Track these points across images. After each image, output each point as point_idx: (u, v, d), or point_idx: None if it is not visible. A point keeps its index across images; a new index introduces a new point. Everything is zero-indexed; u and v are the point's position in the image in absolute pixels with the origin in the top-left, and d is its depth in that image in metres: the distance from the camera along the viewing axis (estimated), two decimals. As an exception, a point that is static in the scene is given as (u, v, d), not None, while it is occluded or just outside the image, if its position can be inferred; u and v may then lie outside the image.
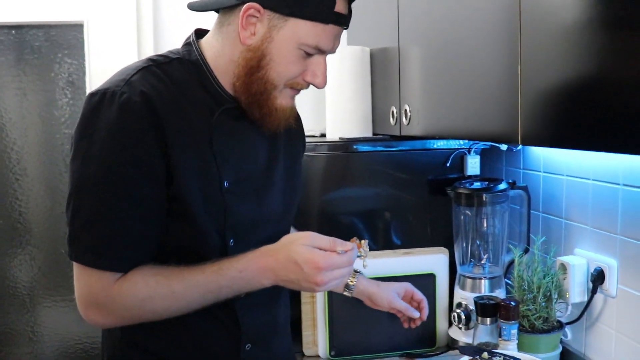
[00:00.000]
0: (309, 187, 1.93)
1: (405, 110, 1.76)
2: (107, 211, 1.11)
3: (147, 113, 1.11)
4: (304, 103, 2.53)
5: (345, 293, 1.53)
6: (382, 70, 2.03)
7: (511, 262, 1.85)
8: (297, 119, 1.46)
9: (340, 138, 2.04)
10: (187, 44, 1.26)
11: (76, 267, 1.15)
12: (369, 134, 2.10)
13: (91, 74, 2.49)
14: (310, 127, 2.39)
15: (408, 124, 1.75)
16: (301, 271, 1.11)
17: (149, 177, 1.13)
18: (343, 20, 1.20)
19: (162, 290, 1.14)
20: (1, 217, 2.58)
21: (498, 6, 1.26)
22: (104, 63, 2.48)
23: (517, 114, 1.18)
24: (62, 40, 2.55)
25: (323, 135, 2.21)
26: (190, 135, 1.16)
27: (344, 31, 2.40)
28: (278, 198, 1.34)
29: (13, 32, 2.52)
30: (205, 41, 1.26)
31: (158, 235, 1.17)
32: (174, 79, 1.19)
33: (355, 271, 1.54)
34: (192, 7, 1.26)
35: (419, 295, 1.61)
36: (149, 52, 2.51)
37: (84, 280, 1.14)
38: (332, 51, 1.23)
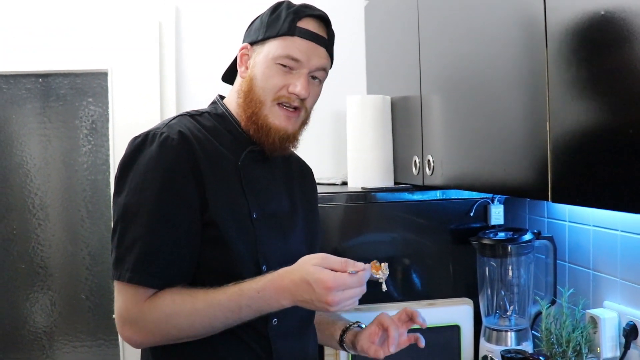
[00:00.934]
0: (330, 234, 1.92)
1: (429, 160, 1.76)
2: (147, 234, 1.22)
3: (183, 148, 1.26)
4: (325, 151, 2.56)
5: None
6: (403, 119, 2.04)
7: (538, 314, 1.82)
8: (309, 173, 1.63)
9: (362, 188, 2.03)
10: (213, 102, 1.47)
11: (116, 287, 1.25)
12: (391, 183, 2.10)
13: (114, 121, 2.52)
14: (331, 175, 2.40)
15: (431, 174, 1.75)
16: (313, 291, 1.16)
17: (184, 203, 1.25)
18: (312, 36, 1.35)
19: (185, 307, 1.22)
20: (23, 262, 2.59)
21: (524, 56, 1.26)
22: (127, 110, 2.51)
23: (546, 169, 1.17)
24: (87, 88, 2.59)
25: (344, 183, 2.21)
26: (221, 171, 1.30)
27: (365, 81, 2.43)
28: (301, 239, 1.45)
29: (40, 80, 2.57)
30: (227, 98, 1.46)
31: (192, 257, 1.27)
32: (205, 126, 1.36)
33: (353, 324, 1.53)
34: (222, 78, 1.52)
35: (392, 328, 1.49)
36: (171, 99, 2.54)
37: (122, 297, 1.24)
38: (313, 66, 1.35)
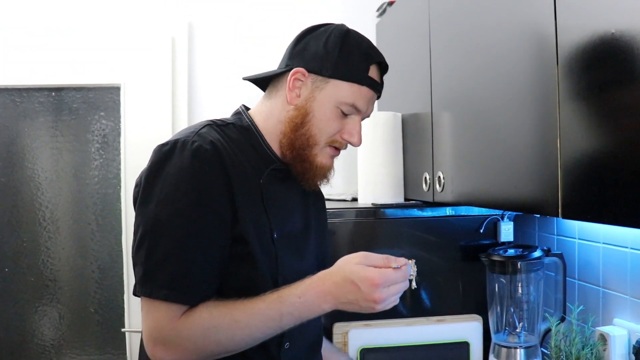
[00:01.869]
0: (339, 249, 1.92)
1: (439, 176, 1.77)
2: (180, 248, 1.18)
3: (216, 159, 1.21)
4: (336, 167, 2.56)
5: None
6: (414, 136, 2.05)
7: (547, 331, 1.82)
8: (321, 191, 1.57)
9: (373, 204, 2.04)
10: (237, 113, 1.41)
11: (145, 304, 1.20)
12: (401, 199, 2.11)
13: (126, 136, 2.55)
14: (341, 192, 2.41)
15: (442, 190, 1.75)
16: (359, 290, 1.14)
17: (218, 218, 1.21)
18: (376, 86, 1.34)
19: (225, 319, 1.18)
20: (32, 275, 2.60)
21: (535, 73, 1.27)
22: (139, 125, 2.54)
23: (556, 185, 1.18)
24: (99, 102, 2.62)
25: (354, 199, 2.22)
26: (247, 187, 1.27)
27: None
28: (313, 259, 1.43)
29: (53, 94, 2.60)
30: (254, 110, 1.41)
31: (221, 272, 1.24)
32: (231, 138, 1.31)
33: None
34: (248, 78, 1.42)
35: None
36: (183, 114, 2.56)
37: (153, 315, 1.19)
38: (367, 114, 1.36)
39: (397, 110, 2.17)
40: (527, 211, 1.37)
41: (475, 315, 1.89)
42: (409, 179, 2.10)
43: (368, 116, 1.37)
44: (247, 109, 1.42)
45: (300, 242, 1.39)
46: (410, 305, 2.00)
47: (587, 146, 1.10)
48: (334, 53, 1.29)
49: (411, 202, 2.06)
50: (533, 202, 1.30)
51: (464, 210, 2.01)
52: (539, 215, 1.97)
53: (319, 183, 1.37)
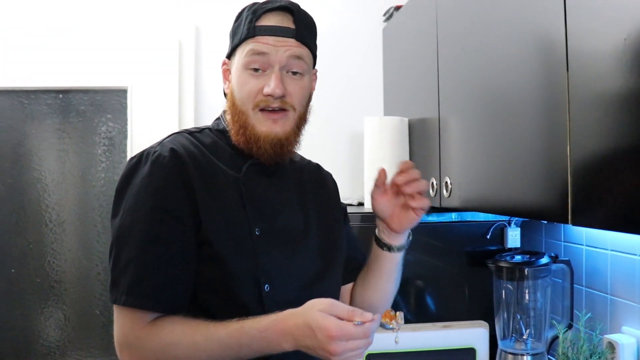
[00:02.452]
0: (347, 255, 1.92)
1: (446, 182, 1.76)
2: (140, 254, 1.19)
3: (175, 165, 1.23)
4: (342, 171, 2.56)
5: None
6: (421, 141, 2.04)
7: (554, 338, 1.81)
8: (327, 179, 1.56)
9: (379, 208, 2.03)
10: (217, 118, 1.42)
11: (115, 311, 1.22)
12: (408, 204, 2.10)
13: (133, 138, 2.55)
14: (347, 196, 2.40)
15: (449, 196, 1.75)
16: (315, 338, 1.10)
17: (177, 222, 1.21)
18: (274, 30, 1.29)
19: (185, 339, 1.18)
20: (38, 276, 2.61)
21: (544, 79, 1.27)
22: (146, 127, 2.54)
23: (566, 191, 1.17)
24: (106, 105, 2.62)
25: (361, 204, 2.21)
26: (218, 187, 1.26)
27: (382, 102, 2.45)
28: (313, 255, 1.37)
29: (60, 96, 2.60)
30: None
31: (188, 278, 1.22)
32: (204, 143, 1.32)
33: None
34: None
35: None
36: (190, 117, 2.56)
37: (120, 321, 1.21)
38: (281, 60, 1.27)
39: (404, 115, 2.17)
40: (536, 217, 1.37)
41: (481, 321, 1.88)
42: (416, 184, 2.09)
43: (292, 64, 1.28)
44: None
45: (296, 239, 1.34)
46: (416, 311, 1.99)
47: (598, 152, 1.09)
48: (232, 29, 1.35)
49: (418, 207, 2.05)
50: (542, 208, 1.29)
51: (470, 216, 2.00)
52: (546, 222, 1.97)
53: (278, 154, 1.30)
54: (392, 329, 1.16)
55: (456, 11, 1.75)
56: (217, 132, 1.36)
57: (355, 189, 2.48)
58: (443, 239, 2.00)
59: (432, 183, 1.88)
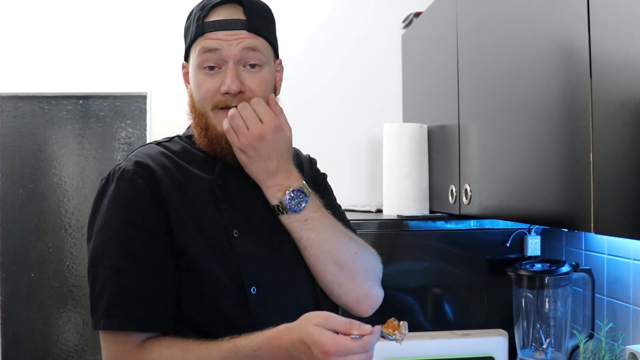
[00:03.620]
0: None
1: (466, 189, 1.75)
2: (115, 274, 1.14)
3: (140, 177, 1.18)
4: (360, 178, 2.56)
5: None
6: (440, 148, 2.04)
7: (575, 348, 1.79)
8: (307, 164, 1.42)
9: (398, 215, 2.03)
10: (188, 126, 1.36)
11: (100, 338, 1.17)
12: (426, 211, 2.09)
13: (152, 144, 2.57)
14: (365, 202, 2.40)
15: (468, 203, 1.74)
16: (311, 354, 1.03)
17: (151, 235, 1.16)
18: (223, 24, 1.22)
19: None
20: (57, 280, 2.63)
21: (566, 86, 1.26)
22: (165, 132, 2.53)
23: (589, 199, 1.16)
24: (125, 111, 2.64)
25: (379, 210, 2.21)
26: (191, 193, 1.21)
27: (401, 109, 2.43)
28: (298, 250, 1.28)
29: (80, 102, 2.63)
30: None
31: (169, 292, 1.17)
32: (174, 150, 1.27)
33: None
34: None
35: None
36: (209, 123, 2.57)
37: (106, 348, 1.16)
38: (235, 54, 1.21)
39: (423, 121, 2.16)
40: (558, 225, 1.35)
41: (500, 330, 1.86)
42: (435, 191, 2.09)
43: (247, 56, 1.22)
44: None
45: (276, 236, 1.25)
46: (434, 319, 1.98)
47: (622, 159, 1.08)
48: (184, 30, 1.29)
49: (437, 214, 2.05)
50: (564, 216, 1.28)
51: (489, 224, 1.99)
52: (566, 230, 1.95)
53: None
54: (395, 340, 1.08)
55: (477, 18, 1.74)
56: (187, 138, 1.31)
57: (373, 196, 2.48)
58: (461, 247, 1.99)
59: (452, 190, 1.87)
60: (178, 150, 1.27)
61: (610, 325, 1.67)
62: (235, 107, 1.21)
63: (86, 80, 2.57)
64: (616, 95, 1.09)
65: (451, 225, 1.99)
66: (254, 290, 1.19)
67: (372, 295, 1.35)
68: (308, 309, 1.20)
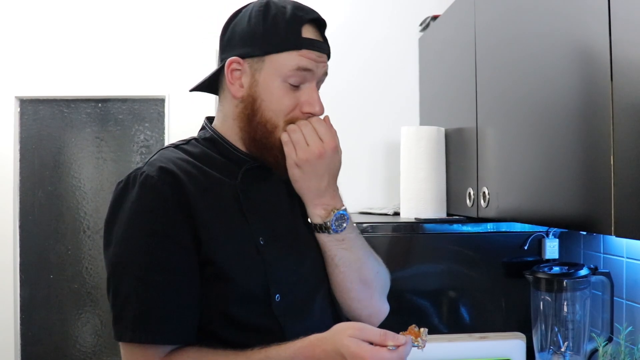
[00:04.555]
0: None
1: (484, 192, 1.75)
2: (142, 286, 1.12)
3: (165, 184, 1.14)
4: (377, 181, 2.57)
5: None
6: (458, 151, 2.04)
7: (594, 352, 1.78)
8: None
9: (416, 218, 2.03)
10: (202, 127, 1.34)
11: (122, 349, 1.15)
12: (443, 214, 2.09)
13: (170, 146, 2.58)
14: (383, 205, 2.40)
15: (486, 206, 1.74)
16: None
17: (178, 246, 1.14)
18: (317, 45, 1.23)
19: None
20: (75, 282, 2.65)
21: (586, 88, 1.26)
22: (183, 135, 2.54)
23: (609, 202, 1.16)
24: (144, 114, 2.66)
25: (396, 213, 2.21)
26: (216, 201, 1.18)
27: (418, 112, 2.44)
28: (318, 257, 1.31)
29: (99, 105, 2.66)
30: (215, 119, 1.33)
31: (195, 304, 1.16)
32: (192, 154, 1.24)
33: None
34: (194, 89, 1.35)
35: None
36: (226, 126, 2.59)
37: (130, 359, 1.14)
38: (319, 77, 1.25)
39: (441, 124, 2.16)
40: (577, 228, 1.35)
41: (518, 333, 1.86)
42: (452, 194, 2.09)
43: (322, 80, 1.27)
44: (212, 119, 1.35)
45: (298, 242, 1.28)
46: (451, 322, 1.97)
47: (644, 163, 1.08)
48: (258, 29, 1.21)
49: (454, 217, 2.05)
50: (583, 219, 1.28)
51: (506, 227, 1.99)
52: (585, 233, 1.94)
53: None
54: (417, 346, 1.10)
55: (495, 20, 1.74)
56: (205, 141, 1.28)
57: (391, 199, 2.48)
58: (478, 250, 1.99)
59: (469, 193, 1.87)
60: (198, 153, 1.25)
61: (630, 328, 1.66)
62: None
63: (105, 83, 2.59)
64: (637, 98, 1.09)
65: (468, 228, 1.98)
66: (278, 297, 1.19)
67: (383, 311, 1.38)
68: (327, 318, 1.27)
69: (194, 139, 1.30)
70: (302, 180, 1.23)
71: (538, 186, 1.47)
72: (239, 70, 1.22)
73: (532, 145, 1.50)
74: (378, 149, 2.58)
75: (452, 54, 2.13)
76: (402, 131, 2.14)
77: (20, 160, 2.63)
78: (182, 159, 1.21)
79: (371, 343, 1.05)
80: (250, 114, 1.22)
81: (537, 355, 1.82)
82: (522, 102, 1.55)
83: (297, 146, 1.21)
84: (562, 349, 1.79)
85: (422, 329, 1.11)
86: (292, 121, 1.23)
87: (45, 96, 2.62)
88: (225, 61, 1.23)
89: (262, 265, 1.19)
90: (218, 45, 1.29)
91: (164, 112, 2.62)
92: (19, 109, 2.63)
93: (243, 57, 1.22)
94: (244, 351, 1.11)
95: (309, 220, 1.31)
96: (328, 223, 1.26)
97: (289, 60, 1.20)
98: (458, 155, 2.04)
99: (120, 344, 1.14)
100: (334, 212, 1.26)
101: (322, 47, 1.25)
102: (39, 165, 2.65)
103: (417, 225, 1.98)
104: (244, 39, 1.22)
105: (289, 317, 1.20)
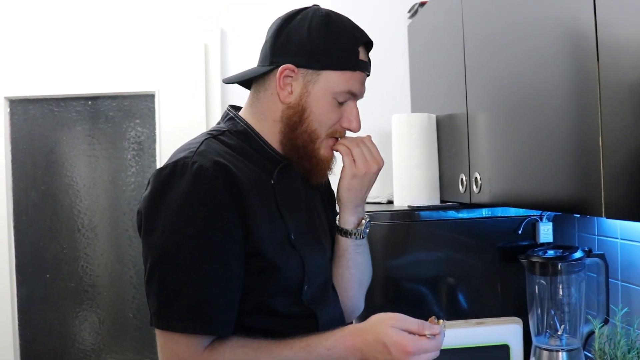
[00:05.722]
0: (375, 253, 1.91)
1: (476, 178, 1.74)
2: (194, 276, 1.13)
3: (220, 178, 1.16)
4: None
5: None
6: (449, 137, 2.03)
7: (590, 334, 1.78)
8: None
9: (409, 206, 2.03)
10: (229, 118, 1.34)
11: (162, 337, 1.16)
12: (437, 201, 2.09)
13: (161, 142, 2.58)
14: (376, 194, 2.40)
15: (479, 192, 1.73)
16: (389, 354, 1.12)
17: (230, 239, 1.16)
18: (367, 67, 1.32)
19: None
20: (72, 281, 2.65)
21: (573, 70, 1.25)
22: (174, 131, 2.56)
23: (599, 184, 1.15)
24: (134, 110, 2.65)
25: (390, 202, 2.21)
26: (259, 194, 1.22)
27: (409, 99, 2.44)
28: (329, 242, 1.42)
29: (89, 102, 2.65)
30: (245, 111, 1.34)
31: (239, 296, 1.19)
32: (232, 147, 1.26)
33: None
34: (229, 80, 1.38)
35: None
36: (217, 119, 2.57)
37: (172, 349, 1.15)
38: (361, 96, 1.34)
39: (432, 111, 2.15)
40: (569, 211, 1.35)
41: (515, 317, 1.86)
42: (445, 181, 2.08)
43: (362, 97, 1.34)
44: (236, 108, 1.37)
45: (318, 236, 1.37)
46: (448, 309, 1.97)
47: (632, 143, 1.07)
48: (320, 42, 1.25)
49: (448, 203, 2.04)
50: (574, 201, 1.27)
51: (500, 212, 1.98)
52: (578, 216, 1.94)
53: (325, 176, 1.35)
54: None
55: (482, 5, 1.73)
56: (239, 133, 1.30)
57: (384, 187, 2.47)
58: (473, 235, 1.99)
59: (462, 179, 1.87)
60: (236, 146, 1.27)
61: (626, 310, 1.66)
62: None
63: (94, 80, 2.58)
64: (624, 79, 1.09)
65: (462, 215, 1.98)
66: (306, 288, 1.27)
67: (361, 308, 1.52)
68: (338, 308, 1.41)
69: (227, 130, 1.31)
70: (354, 190, 1.35)
71: (529, 170, 1.46)
72: (291, 77, 1.26)
73: (522, 129, 1.49)
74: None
75: (441, 40, 2.12)
76: (393, 119, 2.13)
77: (12, 161, 2.63)
78: (227, 152, 1.24)
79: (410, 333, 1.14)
80: (297, 122, 1.26)
81: (534, 339, 1.82)
82: (510, 87, 1.55)
83: (357, 160, 1.33)
84: (559, 332, 1.79)
85: (441, 320, 1.19)
86: (333, 134, 1.31)
87: (34, 96, 2.62)
88: (278, 65, 1.26)
89: (299, 258, 1.26)
90: (269, 45, 1.30)
91: (154, 107, 2.62)
92: (8, 110, 2.62)
93: (298, 65, 1.25)
94: (285, 340, 1.16)
95: (337, 223, 1.42)
96: (359, 230, 1.39)
97: (342, 81, 1.26)
98: (450, 141, 2.03)
99: (160, 333, 1.16)
100: (365, 220, 1.40)
101: (370, 69, 1.34)
102: (31, 165, 2.64)
103: (411, 213, 1.98)
104: (302, 48, 1.25)
105: (315, 305, 1.29)
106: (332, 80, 1.25)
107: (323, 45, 1.25)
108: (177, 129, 2.55)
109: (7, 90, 2.60)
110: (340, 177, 1.36)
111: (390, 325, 1.13)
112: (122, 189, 2.67)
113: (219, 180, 1.15)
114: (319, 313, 1.29)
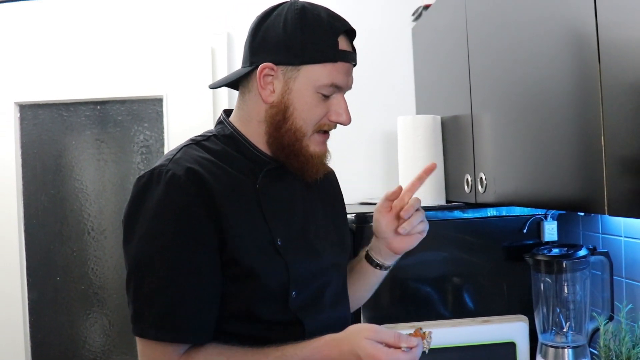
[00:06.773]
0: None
1: (481, 178, 1.77)
2: (166, 284, 1.14)
3: (192, 185, 1.16)
4: (376, 171, 2.59)
5: None
6: (454, 138, 2.05)
7: (595, 331, 1.80)
8: (335, 177, 1.55)
9: (415, 206, 2.05)
10: (219, 122, 1.35)
11: (140, 344, 1.17)
12: (442, 201, 2.11)
13: (169, 146, 2.61)
14: (381, 196, 2.42)
15: (484, 192, 1.76)
16: None
17: (202, 246, 1.16)
18: (350, 57, 1.28)
19: None
20: (82, 283, 2.68)
21: (575, 71, 1.27)
22: (182, 134, 2.56)
23: (602, 182, 1.17)
24: (142, 114, 2.68)
25: (396, 202, 2.22)
26: (238, 200, 1.21)
27: (414, 101, 2.46)
28: (328, 247, 1.37)
29: (98, 107, 2.68)
30: (233, 115, 1.34)
31: (216, 303, 1.19)
32: (214, 152, 1.25)
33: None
34: (214, 85, 1.38)
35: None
36: (224, 123, 2.61)
37: (149, 355, 1.16)
38: (348, 87, 1.30)
39: (436, 113, 2.18)
40: (573, 209, 1.37)
41: (521, 315, 1.88)
42: (450, 181, 2.11)
43: (350, 88, 1.31)
44: (230, 112, 1.36)
45: (312, 241, 1.32)
46: (454, 308, 2.00)
47: (633, 142, 1.10)
48: (296, 37, 1.21)
49: (453, 204, 2.07)
50: (578, 200, 1.30)
51: (505, 211, 2.00)
52: (583, 214, 1.96)
53: (319, 172, 1.31)
54: (423, 349, 1.16)
55: (485, 7, 1.76)
56: (224, 138, 1.30)
57: (390, 188, 2.49)
58: (479, 235, 2.01)
59: (467, 179, 1.89)
60: (219, 151, 1.26)
61: (630, 306, 1.68)
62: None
63: (103, 85, 2.61)
64: (625, 80, 1.11)
65: (468, 214, 2.00)
66: (294, 294, 1.24)
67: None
68: (339, 312, 1.38)
69: (213, 135, 1.31)
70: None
71: (533, 169, 1.48)
72: (272, 75, 1.24)
73: (526, 129, 1.51)
74: (376, 140, 2.60)
75: (445, 42, 2.15)
76: (398, 121, 2.16)
77: (23, 165, 2.66)
78: (205, 158, 1.22)
79: (385, 345, 1.11)
80: (281, 121, 1.24)
81: (539, 336, 1.84)
82: (514, 88, 1.57)
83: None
84: (564, 329, 1.81)
85: (427, 332, 1.18)
86: (320, 128, 1.28)
87: (44, 101, 2.65)
88: (257, 65, 1.23)
89: (283, 264, 1.23)
90: (248, 45, 1.28)
91: (162, 111, 2.64)
92: (18, 115, 2.66)
93: (277, 63, 1.23)
94: (262, 348, 1.16)
95: (371, 254, 1.49)
96: (391, 264, 1.50)
97: (324, 74, 1.23)
98: (455, 142, 2.05)
99: (138, 339, 1.16)
100: (396, 257, 1.49)
101: (354, 58, 1.30)
102: (41, 169, 2.68)
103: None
104: (278, 45, 1.23)
105: (304, 312, 1.25)
106: (313, 75, 1.22)
107: (300, 39, 1.21)
108: (185, 132, 2.54)
109: (17, 96, 2.63)
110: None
111: (365, 336, 1.11)
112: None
113: (191, 188, 1.15)
114: (306, 320, 1.26)
